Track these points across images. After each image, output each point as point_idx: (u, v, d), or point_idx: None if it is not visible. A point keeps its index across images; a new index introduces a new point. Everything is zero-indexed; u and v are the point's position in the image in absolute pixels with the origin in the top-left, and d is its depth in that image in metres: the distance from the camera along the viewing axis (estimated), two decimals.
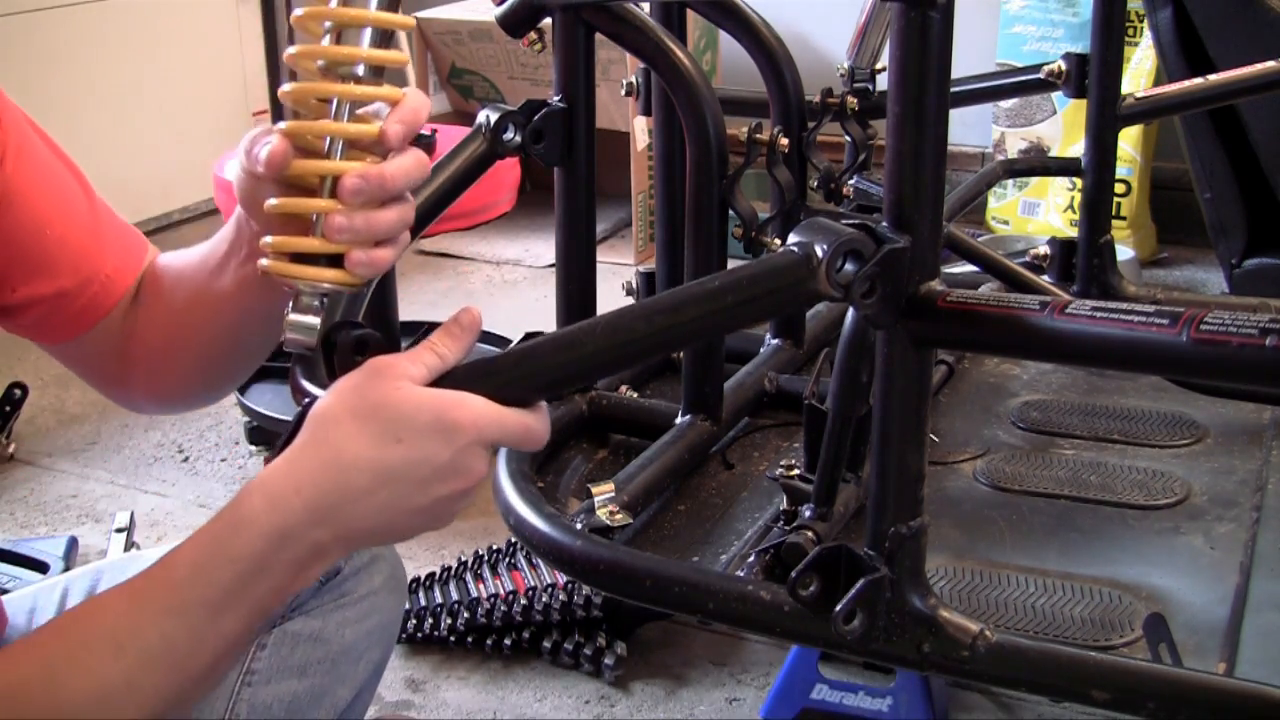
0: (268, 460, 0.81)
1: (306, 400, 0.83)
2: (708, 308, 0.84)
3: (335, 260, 0.82)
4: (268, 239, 0.83)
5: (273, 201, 0.83)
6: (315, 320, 0.84)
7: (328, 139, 0.82)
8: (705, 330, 0.86)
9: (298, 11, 0.83)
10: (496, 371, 0.82)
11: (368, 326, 0.87)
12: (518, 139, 1.22)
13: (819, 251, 0.81)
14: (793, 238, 0.83)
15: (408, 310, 2.70)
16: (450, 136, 2.43)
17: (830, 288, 0.81)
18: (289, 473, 0.78)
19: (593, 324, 0.84)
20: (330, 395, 0.80)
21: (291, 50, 0.82)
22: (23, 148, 0.95)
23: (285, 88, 0.83)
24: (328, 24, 0.83)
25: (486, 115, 1.23)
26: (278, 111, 4.02)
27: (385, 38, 0.83)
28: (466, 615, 1.83)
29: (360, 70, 0.82)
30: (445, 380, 0.81)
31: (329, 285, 0.82)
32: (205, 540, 0.78)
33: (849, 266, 0.82)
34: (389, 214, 0.82)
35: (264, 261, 0.83)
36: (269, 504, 0.77)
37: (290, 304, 0.84)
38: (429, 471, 0.78)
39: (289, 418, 2.49)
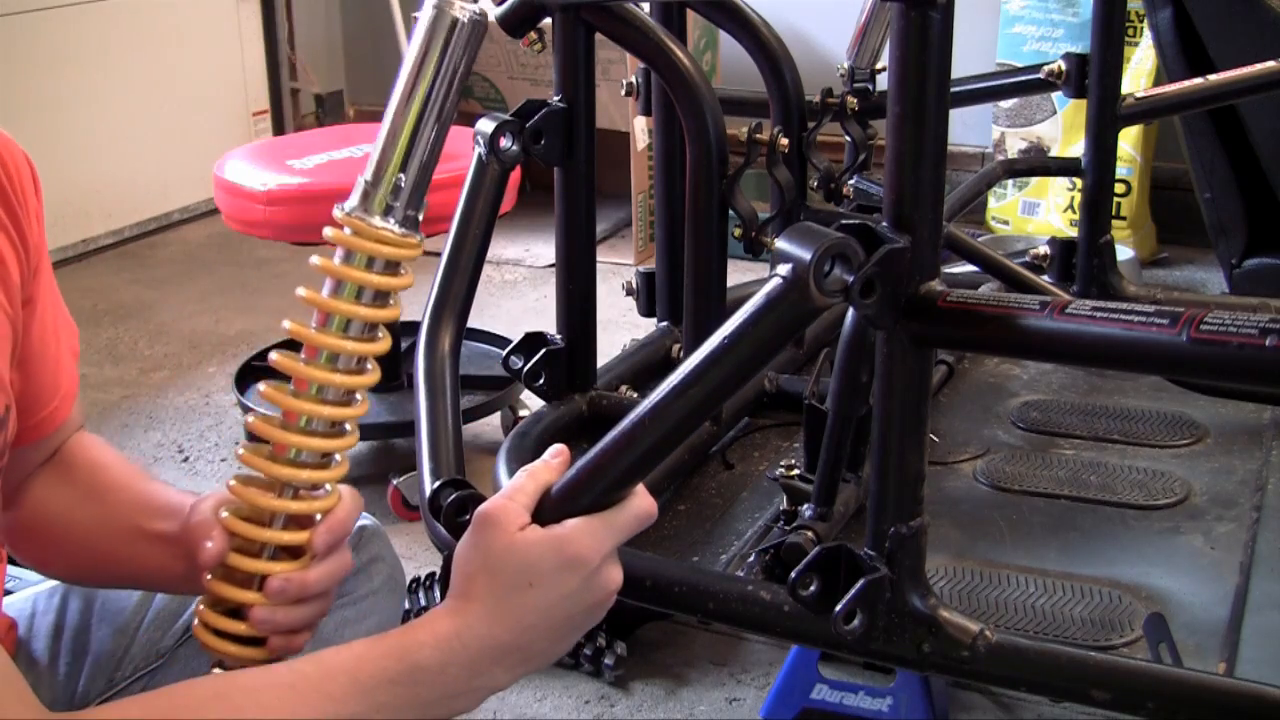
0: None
1: (447, 552, 0.95)
2: (728, 364, 0.86)
3: (258, 640, 0.90)
4: (202, 608, 0.91)
5: (210, 579, 0.90)
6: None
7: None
8: (734, 384, 0.90)
9: (248, 418, 0.91)
10: (584, 490, 0.88)
11: (466, 483, 0.98)
12: (516, 146, 1.22)
13: (803, 263, 0.82)
14: (777, 249, 0.83)
15: (408, 310, 2.69)
16: (450, 136, 2.44)
17: (825, 296, 0.82)
18: (449, 620, 0.85)
19: (639, 418, 0.88)
20: (460, 554, 0.87)
21: (240, 451, 0.89)
22: (44, 265, 0.97)
23: (232, 482, 0.90)
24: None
25: (482, 133, 1.22)
26: (278, 111, 4.02)
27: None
28: None
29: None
30: (547, 507, 0.88)
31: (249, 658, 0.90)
32: (370, 658, 0.83)
33: (837, 270, 0.82)
34: (308, 609, 0.92)
35: (195, 624, 0.92)
36: (435, 641, 0.83)
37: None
38: (567, 601, 0.85)
39: None
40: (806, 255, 0.80)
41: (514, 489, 0.88)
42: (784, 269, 0.82)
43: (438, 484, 1.00)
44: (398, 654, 0.83)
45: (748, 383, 0.92)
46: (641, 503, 0.89)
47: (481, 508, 0.87)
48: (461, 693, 0.84)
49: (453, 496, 0.98)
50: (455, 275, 1.13)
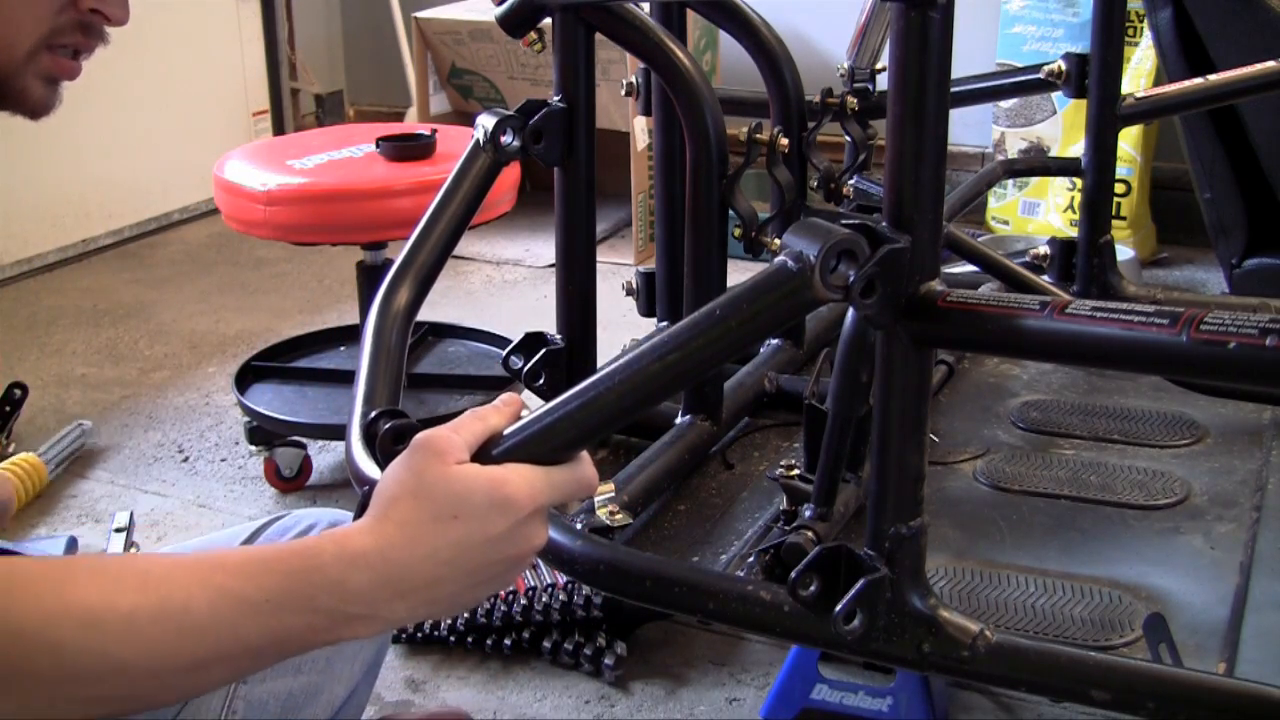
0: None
1: (366, 488, 0.87)
2: (714, 334, 0.85)
3: None
4: None
5: None
6: None
7: None
8: (716, 357, 0.88)
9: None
10: (534, 437, 0.85)
11: (403, 413, 0.92)
12: (517, 143, 1.22)
13: (810, 257, 0.82)
14: (784, 242, 0.83)
15: None
16: (450, 136, 2.44)
17: (828, 291, 0.81)
18: (360, 538, 0.81)
19: (610, 373, 0.86)
20: (389, 476, 0.83)
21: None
22: None
23: None
24: None
25: (483, 125, 1.23)
26: (278, 111, 4.02)
27: None
28: (466, 615, 1.83)
29: None
30: (488, 451, 0.85)
31: None
32: (268, 551, 0.80)
33: (842, 267, 0.82)
34: None
35: None
36: (339, 552, 0.79)
37: None
38: (488, 544, 0.81)
39: (288, 418, 2.48)
40: (816, 247, 0.80)
41: (458, 424, 0.85)
42: (790, 256, 0.82)
43: (375, 412, 0.94)
44: (301, 551, 0.79)
45: (726, 360, 0.91)
46: (586, 469, 0.86)
47: (421, 434, 0.84)
48: (357, 615, 0.80)
49: (389, 424, 0.93)
50: (425, 245, 1.12)
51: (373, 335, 1.07)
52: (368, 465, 0.95)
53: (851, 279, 0.82)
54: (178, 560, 0.79)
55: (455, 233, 1.15)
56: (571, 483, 0.85)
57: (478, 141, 1.19)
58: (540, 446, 0.85)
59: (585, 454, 0.87)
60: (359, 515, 0.84)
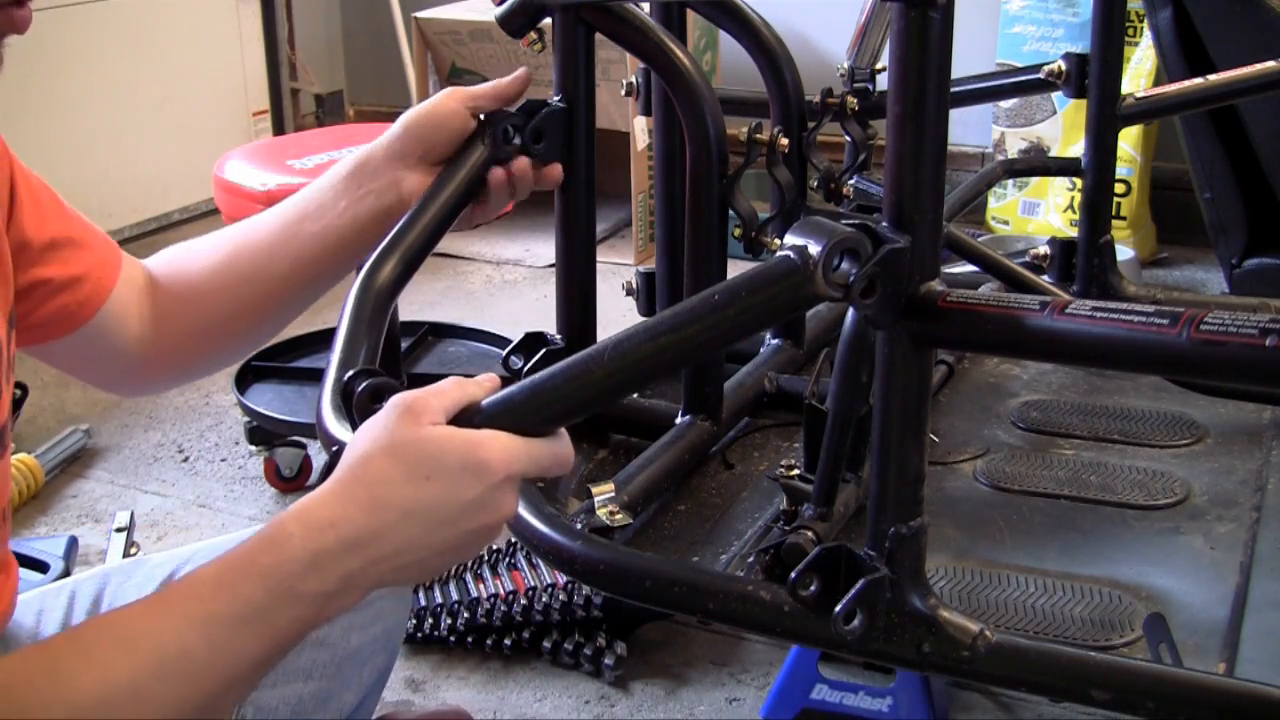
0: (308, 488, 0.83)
1: (335, 448, 0.86)
2: (710, 321, 0.84)
3: None
4: None
5: None
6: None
7: None
8: (710, 344, 0.87)
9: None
10: (515, 407, 0.84)
11: (382, 373, 0.89)
12: (517, 141, 1.22)
13: (814, 252, 0.81)
14: (788, 239, 0.83)
15: (407, 310, 2.71)
16: None
17: (829, 288, 0.81)
18: (325, 504, 0.79)
19: (600, 349, 0.85)
20: (363, 434, 0.82)
21: None
22: (18, 167, 1.04)
23: None
24: None
25: (490, 120, 1.22)
26: (278, 111, 4.02)
27: None
28: (466, 615, 1.83)
29: None
30: (467, 417, 0.83)
31: None
32: (235, 557, 0.78)
33: (845, 265, 0.81)
34: None
35: None
36: (305, 530, 0.78)
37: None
38: (459, 508, 0.80)
39: (288, 418, 2.49)
40: (821, 243, 0.80)
41: (438, 390, 0.83)
42: (794, 250, 0.81)
43: (353, 371, 0.90)
44: (269, 544, 0.78)
45: (720, 347, 0.90)
46: (564, 445, 0.85)
47: (399, 395, 0.82)
48: (336, 591, 0.78)
49: (368, 382, 0.89)
50: (413, 228, 1.10)
51: (353, 306, 1.04)
52: (338, 427, 0.92)
53: (852, 278, 0.81)
54: (152, 606, 0.78)
55: (446, 219, 1.13)
56: (549, 456, 0.84)
57: (480, 133, 1.19)
58: (521, 416, 0.83)
59: (564, 431, 0.85)
60: (324, 477, 0.82)
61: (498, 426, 0.82)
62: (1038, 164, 2.94)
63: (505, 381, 0.88)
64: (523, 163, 1.18)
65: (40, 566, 1.94)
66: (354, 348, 0.99)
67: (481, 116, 1.17)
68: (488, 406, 0.84)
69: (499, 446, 0.81)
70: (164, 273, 1.16)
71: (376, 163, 1.16)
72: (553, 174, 1.23)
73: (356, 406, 0.87)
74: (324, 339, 2.56)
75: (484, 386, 0.86)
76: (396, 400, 0.82)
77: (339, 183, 1.16)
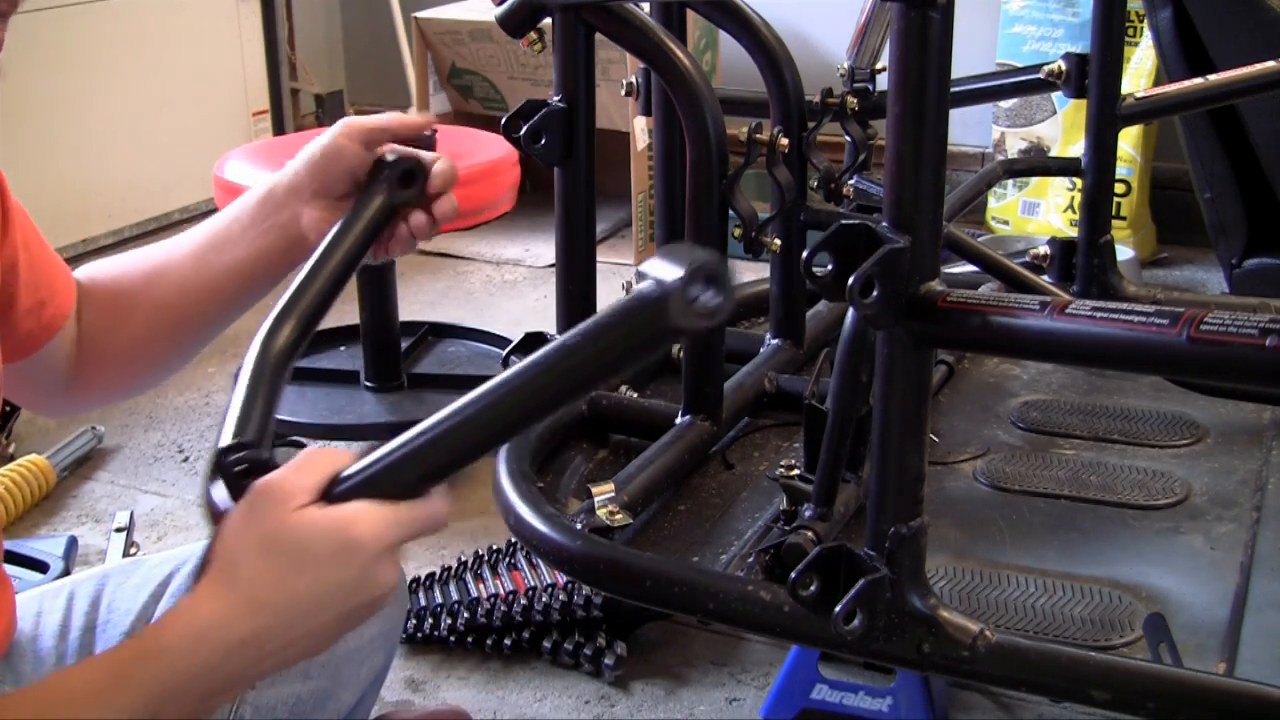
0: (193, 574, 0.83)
1: (216, 519, 0.84)
2: (566, 368, 0.78)
3: None
4: None
5: None
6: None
7: None
8: (569, 394, 0.83)
9: None
10: (381, 475, 0.82)
11: (253, 443, 0.88)
12: (414, 188, 1.13)
13: (671, 282, 0.73)
14: (646, 267, 0.76)
15: (407, 310, 2.70)
16: (450, 136, 2.44)
17: (689, 320, 0.73)
18: (202, 611, 0.79)
19: (460, 409, 0.81)
20: (233, 527, 0.81)
21: None
22: (4, 181, 1.05)
23: None
24: None
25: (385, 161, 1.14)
26: (278, 111, 4.02)
27: None
28: (466, 615, 1.83)
29: None
30: (335, 490, 0.81)
31: None
32: (113, 669, 0.78)
33: (707, 294, 0.73)
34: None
35: None
36: (184, 643, 0.78)
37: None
38: (338, 592, 0.79)
39: (289, 418, 2.47)
40: (678, 272, 0.73)
41: (300, 464, 0.82)
42: (650, 284, 0.74)
43: (231, 442, 0.88)
44: (151, 651, 0.78)
45: (583, 395, 0.85)
46: (438, 505, 0.83)
47: (262, 480, 0.81)
48: (223, 689, 0.79)
49: (239, 456, 0.87)
50: (312, 284, 1.05)
51: (248, 373, 1.01)
52: (220, 494, 0.90)
53: (715, 302, 0.74)
54: (39, 707, 0.77)
55: (345, 272, 1.07)
56: (421, 520, 0.82)
57: (376, 178, 1.10)
58: (389, 483, 0.81)
59: (438, 489, 0.84)
60: (206, 560, 0.81)
61: (367, 496, 0.80)
62: (1038, 164, 2.94)
63: None
64: (419, 217, 1.11)
65: (40, 567, 1.94)
66: (246, 416, 0.95)
67: (387, 156, 1.11)
68: (354, 475, 0.82)
69: (368, 522, 0.79)
70: (86, 293, 1.14)
71: (278, 196, 1.13)
72: (442, 214, 1.14)
73: (229, 483, 0.85)
74: (324, 339, 2.56)
75: (343, 455, 0.84)
76: (259, 489, 0.81)
77: (245, 214, 1.14)
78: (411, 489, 0.82)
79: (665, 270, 0.74)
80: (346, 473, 0.82)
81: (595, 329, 0.77)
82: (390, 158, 1.11)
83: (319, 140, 1.13)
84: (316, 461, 0.82)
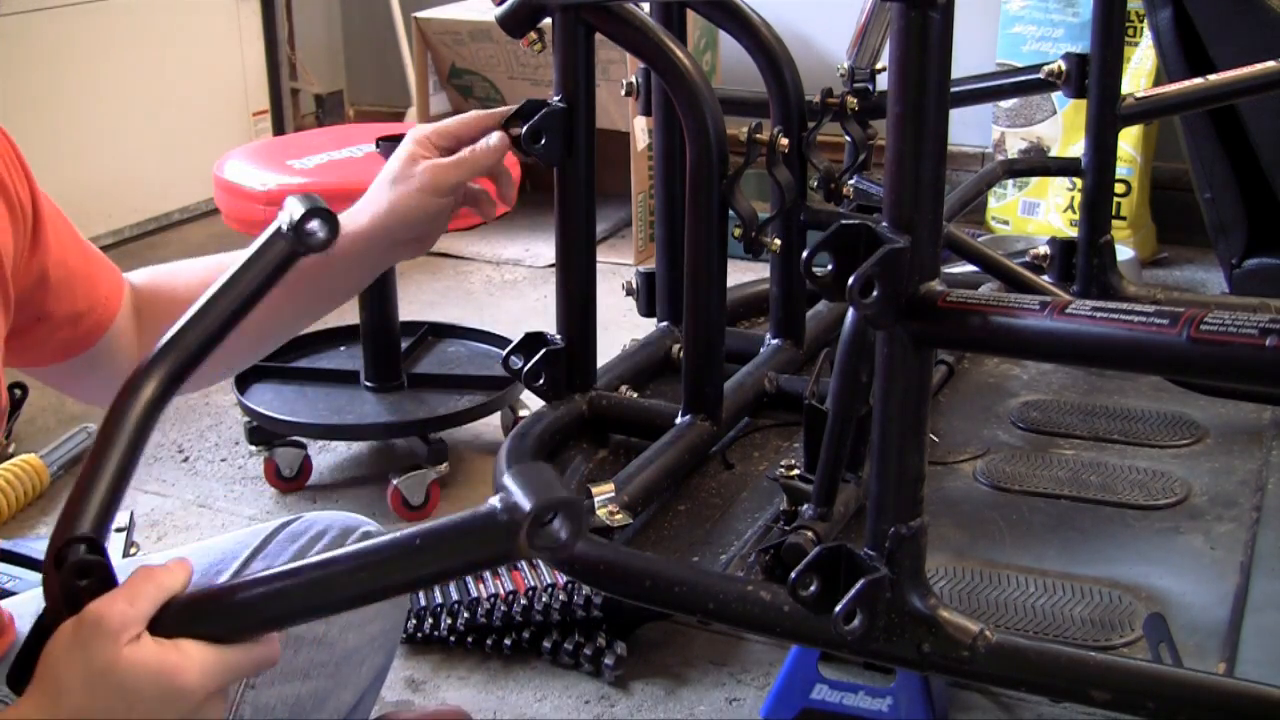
0: (13, 681, 0.81)
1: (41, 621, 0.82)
2: (406, 564, 0.80)
3: None
4: None
5: None
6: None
7: None
8: (407, 586, 0.87)
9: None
10: (215, 616, 0.83)
11: (99, 544, 0.83)
12: (322, 235, 1.08)
13: (522, 510, 0.73)
14: (505, 480, 0.76)
15: (407, 310, 2.71)
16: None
17: (532, 551, 0.74)
18: None
19: (303, 568, 0.82)
20: (59, 653, 0.79)
21: None
22: (40, 194, 1.07)
23: None
24: None
25: (290, 212, 0.94)
26: (278, 111, 4.02)
27: None
28: (466, 615, 1.83)
29: None
30: (168, 620, 0.81)
31: None
32: None
33: (556, 524, 0.74)
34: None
35: None
36: None
37: None
38: None
39: (288, 417, 2.46)
40: (530, 502, 0.73)
41: (133, 590, 0.80)
42: (504, 504, 0.74)
43: (69, 537, 0.82)
44: None
45: (419, 589, 0.83)
46: (269, 649, 0.84)
47: (93, 606, 0.79)
48: None
49: (80, 560, 0.82)
50: (193, 330, 0.94)
51: (100, 439, 0.94)
52: (52, 590, 0.86)
53: (563, 538, 0.74)
54: None
55: (229, 321, 0.94)
56: (250, 664, 0.83)
57: (279, 227, 0.93)
58: (220, 626, 0.82)
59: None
60: (29, 661, 0.80)
61: (197, 633, 0.81)
62: (1038, 164, 2.94)
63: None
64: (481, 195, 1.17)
65: (39, 566, 1.94)
66: (90, 493, 0.86)
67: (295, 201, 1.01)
68: (187, 606, 0.82)
69: (196, 667, 0.79)
70: (148, 293, 1.17)
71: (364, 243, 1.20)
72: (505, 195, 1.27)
73: (62, 583, 0.82)
74: (324, 339, 2.56)
75: (177, 575, 0.83)
76: (90, 616, 0.79)
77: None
78: (240, 635, 0.82)
79: (522, 495, 0.74)
80: (181, 601, 0.82)
81: (441, 534, 0.78)
82: (301, 204, 0.93)
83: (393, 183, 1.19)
84: (148, 589, 0.81)
